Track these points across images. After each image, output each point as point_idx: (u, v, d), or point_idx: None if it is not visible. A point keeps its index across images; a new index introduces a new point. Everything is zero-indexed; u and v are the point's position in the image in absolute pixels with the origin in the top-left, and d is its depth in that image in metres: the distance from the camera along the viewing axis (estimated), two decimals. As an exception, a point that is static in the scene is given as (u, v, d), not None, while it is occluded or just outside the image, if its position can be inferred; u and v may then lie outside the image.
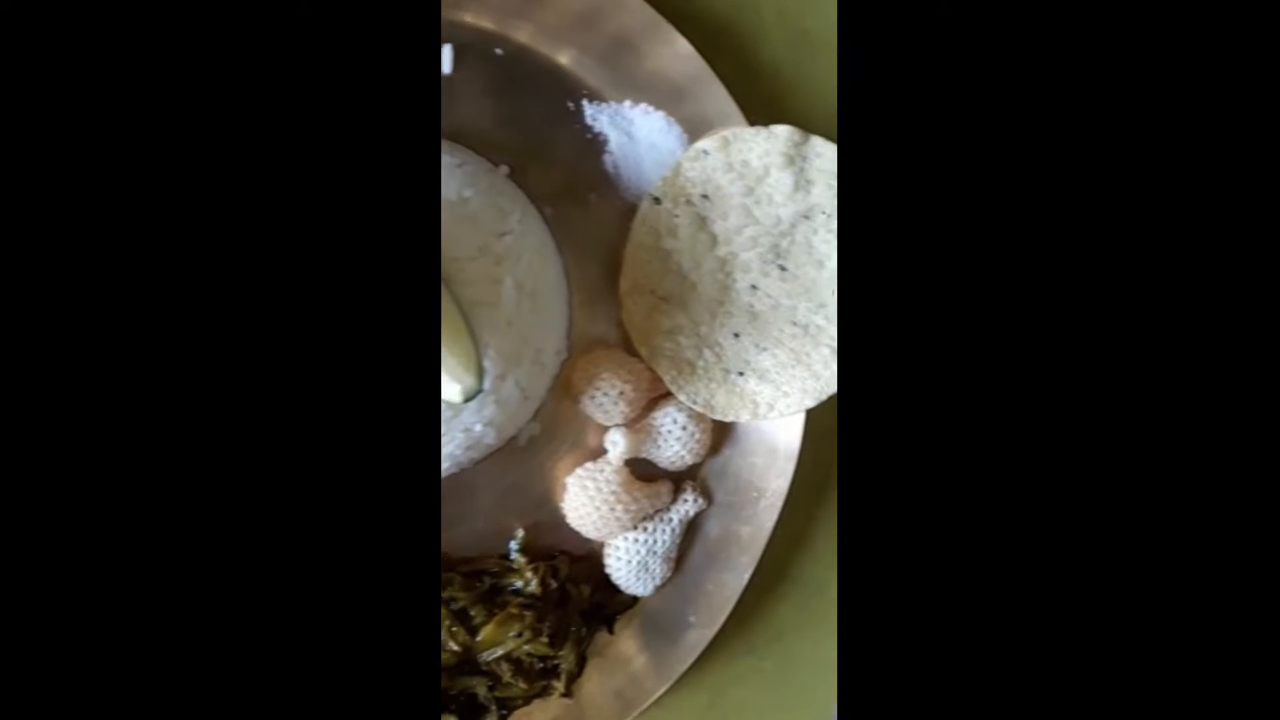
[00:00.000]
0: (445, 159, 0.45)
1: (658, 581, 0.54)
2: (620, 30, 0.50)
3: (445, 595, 0.49)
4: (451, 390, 0.41)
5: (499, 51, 0.51)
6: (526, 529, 0.53)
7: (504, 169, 0.50)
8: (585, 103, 0.52)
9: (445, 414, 0.44)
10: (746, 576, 0.53)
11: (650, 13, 0.50)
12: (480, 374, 0.42)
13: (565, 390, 0.52)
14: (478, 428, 0.46)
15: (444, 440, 0.45)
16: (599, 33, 0.50)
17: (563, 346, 0.51)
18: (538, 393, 0.49)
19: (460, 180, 0.44)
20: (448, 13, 0.50)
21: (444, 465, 0.47)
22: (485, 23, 0.50)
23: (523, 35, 0.51)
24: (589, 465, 0.52)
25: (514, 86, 0.51)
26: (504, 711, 0.51)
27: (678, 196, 0.50)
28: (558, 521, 0.53)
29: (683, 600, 0.54)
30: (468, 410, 0.45)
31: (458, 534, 0.52)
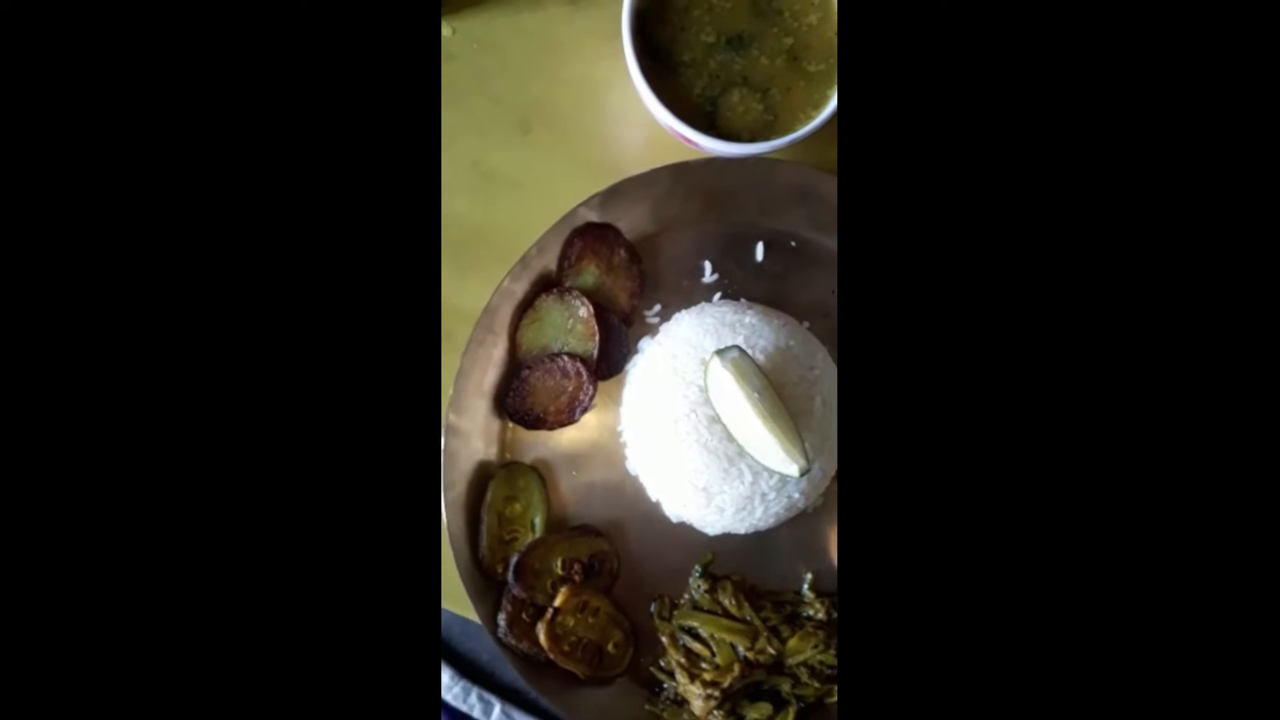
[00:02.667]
0: (775, 321, 0.68)
1: (909, 616, 0.72)
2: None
3: (762, 615, 0.70)
4: (791, 468, 0.63)
5: (793, 244, 0.75)
6: (814, 573, 0.72)
7: (806, 324, 0.72)
8: (850, 274, 0.76)
9: (777, 484, 0.66)
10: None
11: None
12: (808, 458, 0.63)
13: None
14: (796, 495, 0.67)
15: (774, 501, 0.67)
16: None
17: None
18: (829, 474, 0.69)
19: (785, 335, 0.68)
20: (767, 219, 0.74)
21: (769, 522, 0.68)
22: (786, 226, 0.75)
23: (809, 232, 0.75)
24: (858, 527, 0.72)
25: (804, 266, 0.74)
26: (801, 704, 0.70)
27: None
28: (835, 570, 0.73)
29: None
30: (792, 483, 0.66)
31: (768, 572, 0.71)
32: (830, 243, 0.73)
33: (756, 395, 0.62)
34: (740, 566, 0.71)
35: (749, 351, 0.65)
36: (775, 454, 0.62)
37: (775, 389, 0.65)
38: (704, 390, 0.64)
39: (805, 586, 0.72)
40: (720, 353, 0.63)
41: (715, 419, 0.65)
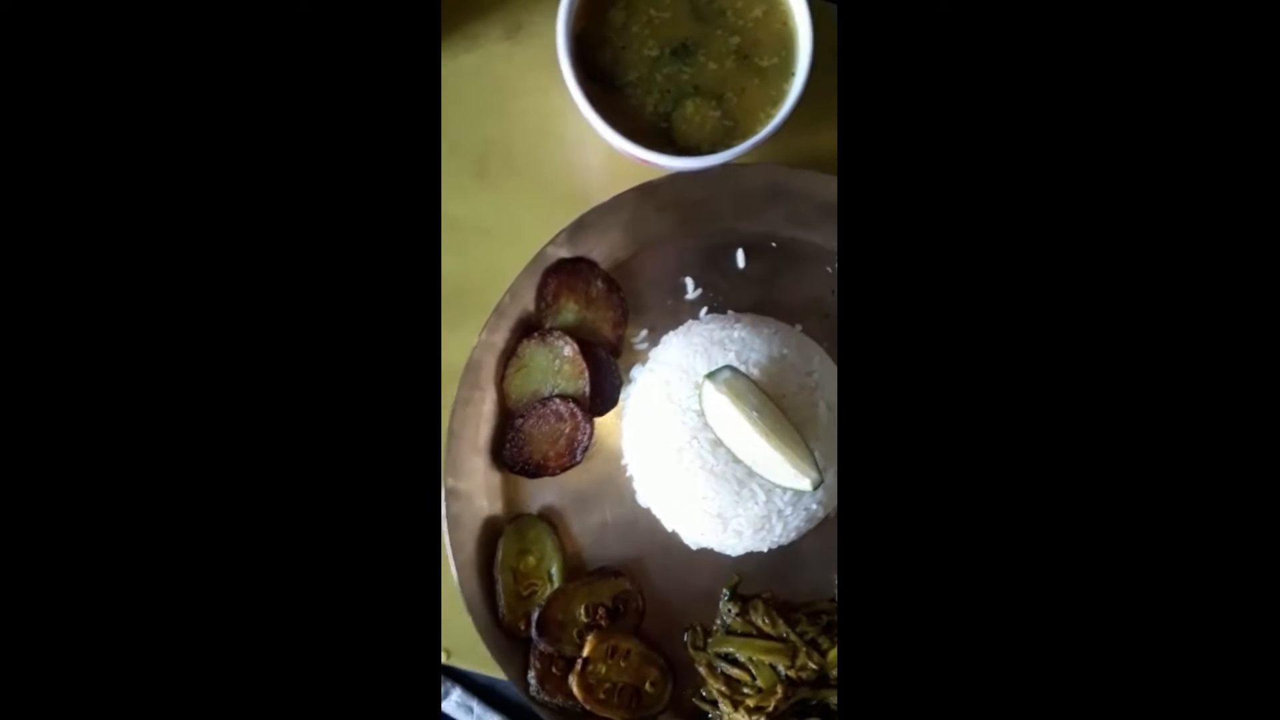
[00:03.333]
0: (764, 330, 0.66)
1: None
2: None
3: (798, 630, 0.67)
4: (803, 483, 0.60)
5: (774, 245, 0.72)
6: None
7: (798, 326, 0.69)
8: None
9: (792, 498, 0.63)
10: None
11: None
12: (819, 470, 0.61)
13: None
14: (814, 506, 0.65)
15: (791, 516, 0.64)
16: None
17: None
18: (844, 477, 0.67)
19: (778, 343, 0.65)
20: (743, 225, 0.71)
21: (791, 535, 0.66)
22: (764, 228, 0.72)
23: (788, 230, 0.72)
24: (884, 526, 0.70)
25: (788, 265, 0.72)
26: (851, 716, 0.68)
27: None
28: (866, 570, 0.70)
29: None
30: (808, 495, 0.64)
31: (797, 584, 0.68)
32: (811, 236, 0.70)
33: (755, 414, 0.60)
34: (768, 583, 0.69)
35: (742, 367, 0.63)
36: (785, 470, 0.60)
37: (775, 401, 0.62)
38: (701, 416, 0.62)
39: (838, 594, 0.70)
40: (711, 375, 0.61)
41: (718, 443, 0.62)
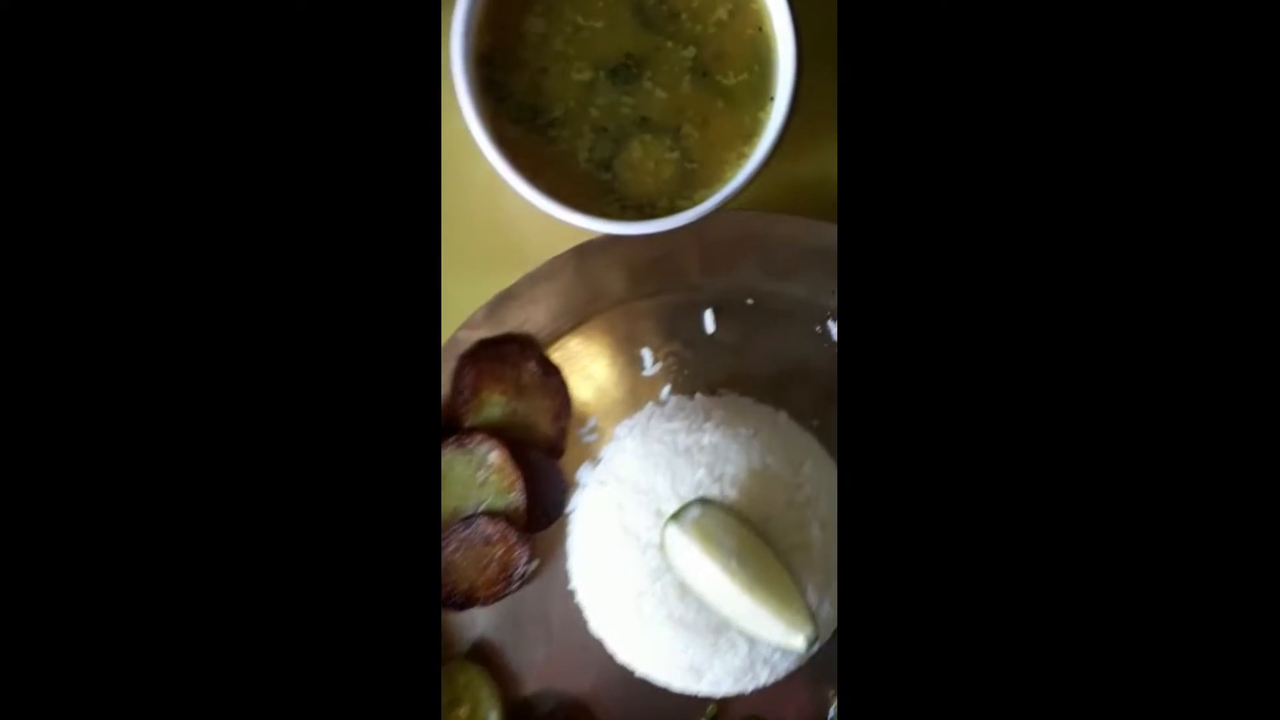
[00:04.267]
0: (742, 431, 0.52)
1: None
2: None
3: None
4: (795, 640, 0.48)
5: (749, 301, 0.58)
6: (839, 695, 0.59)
7: (783, 414, 0.55)
8: (830, 322, 0.58)
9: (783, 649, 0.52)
10: None
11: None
12: (814, 622, 0.49)
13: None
14: (806, 647, 0.53)
15: (780, 662, 0.52)
16: (831, 260, 0.56)
17: None
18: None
19: (760, 448, 0.51)
20: (711, 279, 0.57)
21: (778, 676, 0.54)
22: (736, 281, 0.57)
23: (766, 283, 0.58)
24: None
25: (766, 326, 0.58)
26: None
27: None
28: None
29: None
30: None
31: (785, 707, 0.57)
32: (792, 289, 0.57)
33: (734, 561, 0.47)
34: (752, 706, 0.57)
35: (716, 488, 0.49)
36: (770, 625, 0.48)
37: (759, 525, 0.49)
38: (663, 549, 0.49)
39: (832, 715, 0.59)
40: (676, 517, 0.47)
41: (686, 588, 0.50)
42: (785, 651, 0.51)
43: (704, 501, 0.48)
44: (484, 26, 0.47)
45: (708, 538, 0.47)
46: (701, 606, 0.50)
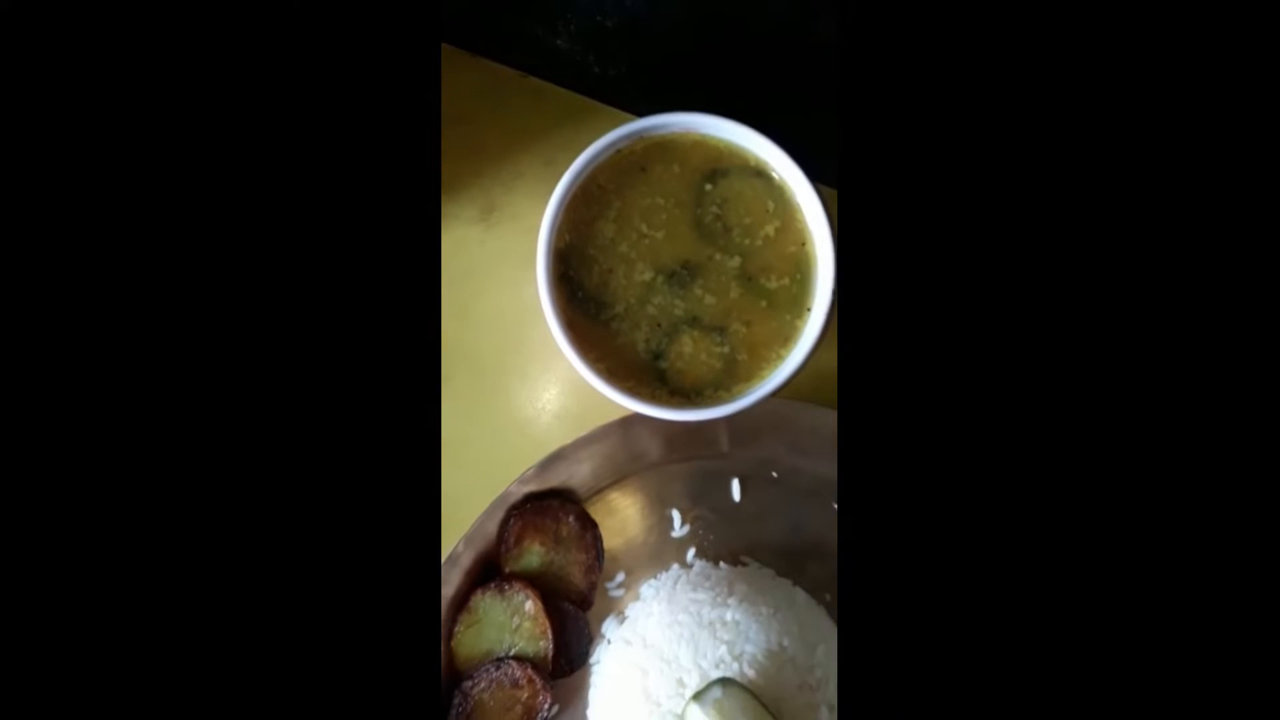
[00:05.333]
0: (763, 610, 0.55)
1: None
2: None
3: None
4: (800, 817, 0.51)
5: (774, 474, 0.63)
6: None
7: (800, 591, 0.59)
8: (845, 503, 0.63)
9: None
10: None
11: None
12: (820, 802, 0.51)
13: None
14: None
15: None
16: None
17: None
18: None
19: (778, 630, 0.55)
20: (739, 451, 0.61)
21: None
22: (763, 455, 0.62)
23: (790, 459, 0.62)
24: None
25: (789, 500, 0.62)
26: None
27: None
28: None
29: None
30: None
31: None
32: (815, 466, 0.61)
33: (748, 738, 0.50)
34: None
35: (735, 666, 0.53)
36: (779, 804, 0.50)
37: (772, 707, 0.52)
38: None
39: None
40: (699, 696, 0.50)
41: (704, 758, 0.53)
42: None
43: (725, 682, 0.51)
44: (564, 227, 0.54)
45: (727, 718, 0.50)
46: (717, 777, 0.52)
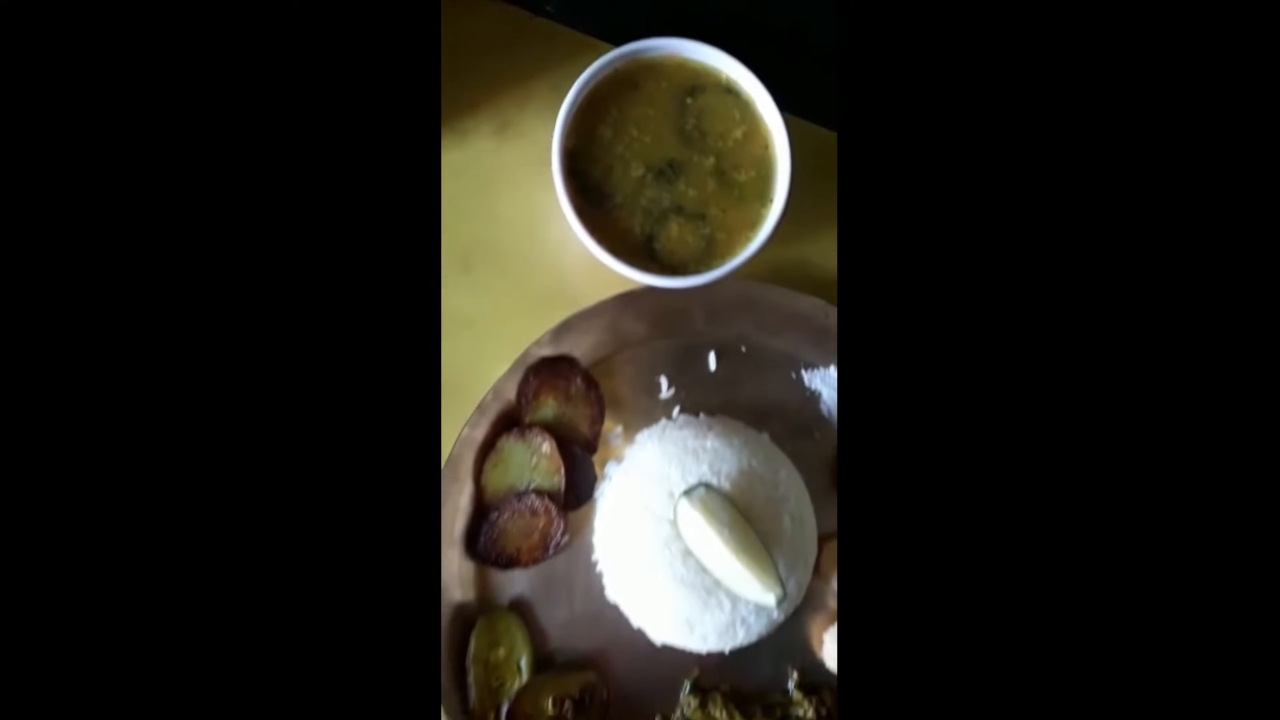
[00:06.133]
0: (735, 441, 0.68)
1: (895, 702, 0.73)
2: (825, 324, 0.73)
3: (753, 723, 0.70)
4: (768, 599, 0.63)
5: (743, 349, 0.75)
6: (799, 670, 0.71)
7: (765, 434, 0.72)
8: (804, 371, 0.74)
9: (756, 608, 0.65)
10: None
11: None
12: (783, 584, 0.64)
13: (816, 571, 0.72)
14: (776, 614, 0.67)
15: (754, 623, 0.66)
16: (809, 325, 0.74)
17: (815, 547, 0.71)
18: (805, 582, 0.69)
19: (748, 455, 0.67)
20: (715, 329, 0.74)
21: (752, 639, 0.67)
22: (734, 333, 0.75)
23: (757, 336, 0.75)
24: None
25: (756, 369, 0.74)
26: (804, 801, 0.71)
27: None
28: (820, 665, 0.72)
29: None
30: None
31: (753, 678, 0.70)
32: (777, 343, 0.73)
33: (727, 530, 0.62)
34: (726, 675, 0.71)
35: (714, 479, 0.65)
36: (750, 585, 0.63)
37: (744, 513, 0.65)
38: (674, 525, 0.65)
39: (791, 685, 0.72)
40: (688, 493, 0.63)
41: (688, 553, 0.65)
42: (758, 614, 0.66)
43: (707, 485, 0.64)
44: (572, 131, 0.66)
45: (709, 511, 0.62)
46: (700, 569, 0.65)
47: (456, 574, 0.69)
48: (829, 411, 0.74)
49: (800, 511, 0.68)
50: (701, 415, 0.72)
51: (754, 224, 0.67)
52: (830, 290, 0.73)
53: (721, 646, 0.68)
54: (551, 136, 0.64)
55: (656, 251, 0.67)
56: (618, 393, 0.73)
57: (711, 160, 0.67)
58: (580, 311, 0.70)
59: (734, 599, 0.65)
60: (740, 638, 0.67)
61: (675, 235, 0.67)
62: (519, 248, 0.73)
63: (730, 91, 0.67)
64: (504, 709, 0.67)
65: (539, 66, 0.74)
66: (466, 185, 0.73)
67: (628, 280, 0.69)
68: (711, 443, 0.68)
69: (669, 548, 0.65)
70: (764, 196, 0.68)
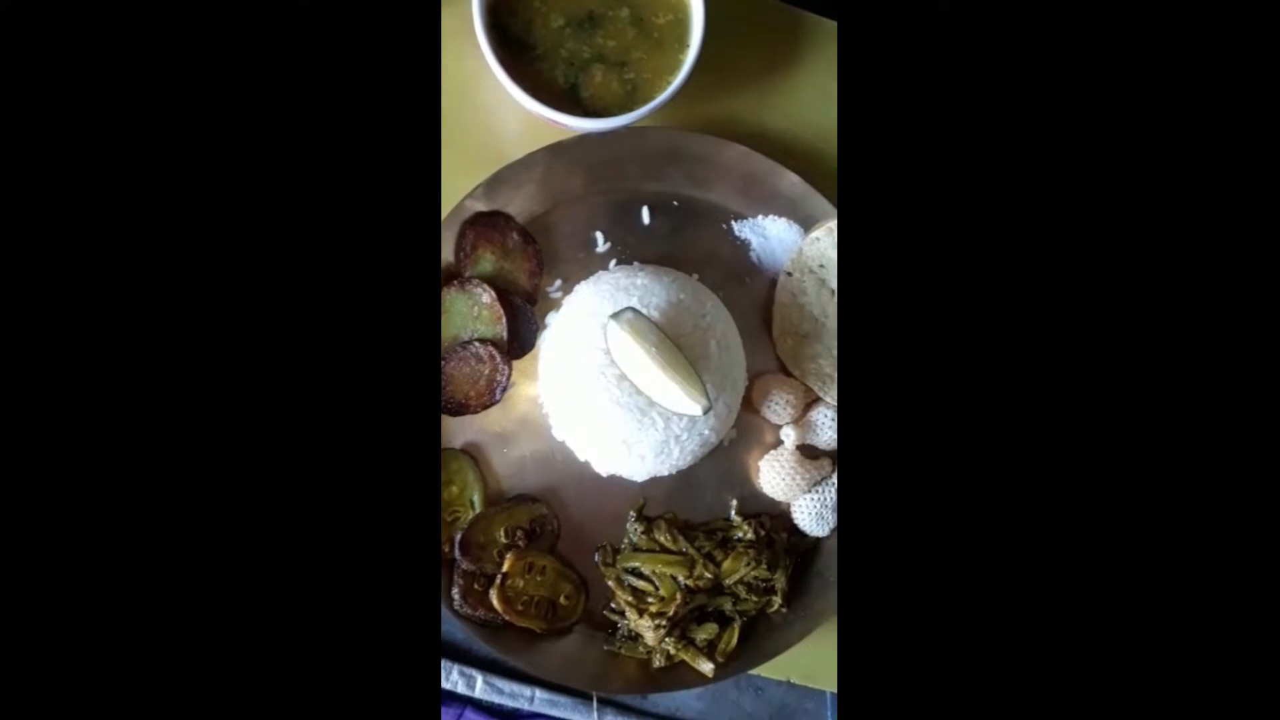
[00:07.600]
0: (665, 278, 0.72)
1: (831, 525, 0.78)
2: (750, 173, 0.77)
3: (696, 545, 0.75)
4: (695, 409, 0.68)
5: (675, 203, 0.79)
6: (738, 499, 0.77)
7: (695, 276, 0.76)
8: (734, 222, 0.78)
9: (687, 425, 0.70)
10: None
11: (768, 161, 0.77)
12: (709, 397, 0.68)
13: (749, 405, 0.77)
14: (707, 432, 0.71)
15: (687, 441, 0.70)
16: (736, 175, 0.77)
17: (744, 377, 0.75)
18: (734, 407, 0.73)
19: (676, 290, 0.71)
20: (648, 184, 0.77)
21: (688, 460, 0.72)
22: (666, 187, 0.78)
23: (688, 190, 0.79)
24: (773, 452, 0.76)
25: (688, 222, 0.78)
26: (743, 618, 0.76)
27: (803, 269, 0.76)
28: (757, 493, 0.78)
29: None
30: (700, 421, 0.70)
31: (696, 507, 0.75)
32: (709, 196, 0.77)
33: (654, 349, 0.66)
34: (671, 505, 0.76)
35: (644, 310, 0.69)
36: (679, 398, 0.67)
37: (673, 339, 0.69)
38: (608, 354, 0.69)
39: (732, 512, 0.77)
40: (615, 316, 0.67)
41: (623, 377, 0.69)
42: (690, 431, 0.71)
43: (635, 310, 0.68)
44: (493, -14, 0.69)
45: (637, 331, 0.66)
46: (634, 391, 0.69)
47: (409, 420, 0.73)
48: (758, 259, 0.78)
49: (727, 339, 0.72)
50: (635, 264, 0.76)
51: (674, 69, 0.70)
52: (756, 142, 0.76)
53: (659, 468, 0.73)
54: (477, 0, 0.67)
55: (581, 99, 0.70)
56: (555, 248, 0.76)
57: (627, 11, 0.70)
58: (511, 163, 0.73)
59: (666, 418, 0.69)
60: (675, 457, 0.72)
61: (599, 82, 0.70)
62: (453, 112, 0.75)
63: (644, -58, 0.70)
64: (456, 539, 0.71)
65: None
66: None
67: (558, 134, 0.72)
68: (642, 280, 0.72)
69: (604, 374, 0.69)
70: (682, 41, 0.71)
